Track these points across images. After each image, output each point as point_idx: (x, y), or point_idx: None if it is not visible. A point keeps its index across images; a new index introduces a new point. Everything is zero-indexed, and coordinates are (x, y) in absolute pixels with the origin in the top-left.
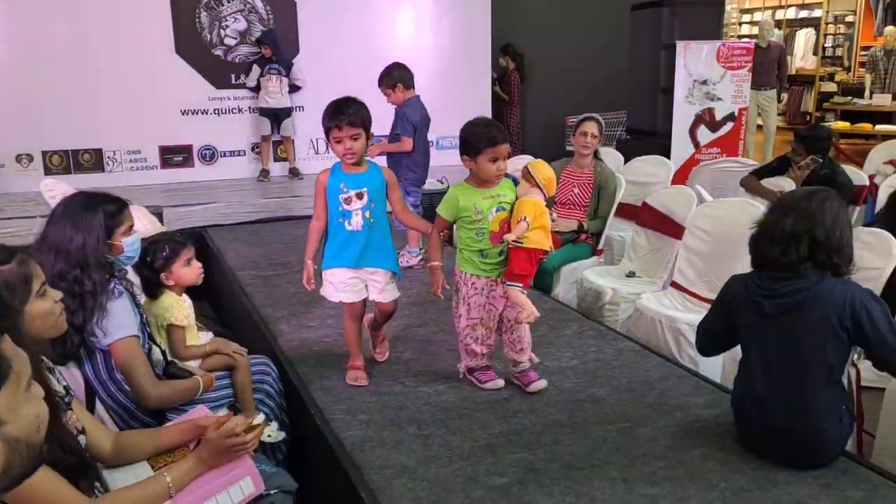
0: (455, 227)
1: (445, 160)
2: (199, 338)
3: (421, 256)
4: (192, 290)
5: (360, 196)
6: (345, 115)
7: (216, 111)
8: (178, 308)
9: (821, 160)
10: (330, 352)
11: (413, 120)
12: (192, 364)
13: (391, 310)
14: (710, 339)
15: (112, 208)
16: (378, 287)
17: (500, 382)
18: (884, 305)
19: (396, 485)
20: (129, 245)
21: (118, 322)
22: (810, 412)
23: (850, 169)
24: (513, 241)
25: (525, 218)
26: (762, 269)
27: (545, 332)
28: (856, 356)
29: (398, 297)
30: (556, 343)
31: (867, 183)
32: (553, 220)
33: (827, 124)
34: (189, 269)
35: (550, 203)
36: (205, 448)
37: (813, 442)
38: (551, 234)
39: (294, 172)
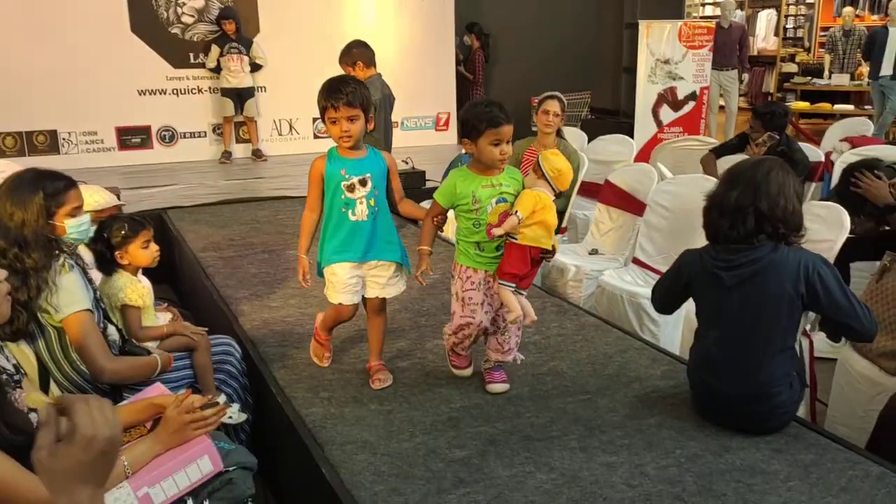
0: (454, 215)
1: (411, 141)
2: (157, 319)
3: None
4: (152, 273)
5: (363, 183)
6: (342, 93)
7: (175, 91)
8: (133, 288)
9: (777, 137)
10: (292, 331)
11: (372, 98)
12: (150, 345)
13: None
14: (665, 301)
15: (56, 186)
16: (381, 282)
17: (469, 371)
18: (835, 270)
19: (358, 460)
20: (73, 227)
21: (69, 297)
22: (762, 378)
23: (806, 146)
24: (499, 235)
25: (517, 212)
26: (716, 241)
27: None
28: (808, 326)
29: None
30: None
31: (823, 159)
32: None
33: (787, 104)
34: (145, 252)
35: (559, 197)
36: (162, 427)
37: (765, 407)
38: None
39: (257, 154)
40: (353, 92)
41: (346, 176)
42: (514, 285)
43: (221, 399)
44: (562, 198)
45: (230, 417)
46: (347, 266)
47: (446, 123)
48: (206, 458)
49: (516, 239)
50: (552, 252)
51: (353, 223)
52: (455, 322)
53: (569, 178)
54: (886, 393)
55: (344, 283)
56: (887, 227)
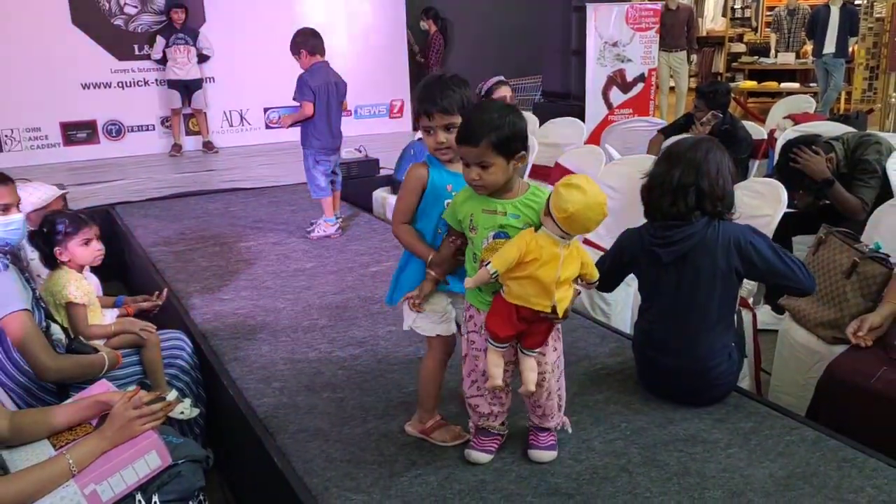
0: None
1: (365, 129)
2: (104, 316)
3: (338, 225)
4: (102, 270)
5: None
6: (436, 99)
7: (120, 84)
8: (77, 286)
9: (721, 115)
10: (244, 323)
11: (312, 85)
12: (98, 343)
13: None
14: (607, 280)
15: None
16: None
17: (479, 456)
18: (765, 237)
19: (310, 447)
20: (1, 226)
21: (4, 298)
22: (701, 351)
23: (749, 124)
24: (468, 288)
25: (488, 263)
26: (654, 219)
27: None
28: (752, 300)
29: None
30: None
31: (766, 137)
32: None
33: (735, 84)
34: (85, 250)
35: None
36: (108, 424)
37: (705, 379)
38: None
39: (208, 146)
40: (451, 96)
41: (452, 192)
42: (500, 345)
43: (172, 395)
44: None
45: (182, 413)
46: (443, 294)
47: (400, 111)
48: (154, 452)
49: (503, 292)
50: (553, 315)
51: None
52: (465, 367)
53: (587, 221)
54: (824, 361)
55: (443, 310)
56: (827, 202)
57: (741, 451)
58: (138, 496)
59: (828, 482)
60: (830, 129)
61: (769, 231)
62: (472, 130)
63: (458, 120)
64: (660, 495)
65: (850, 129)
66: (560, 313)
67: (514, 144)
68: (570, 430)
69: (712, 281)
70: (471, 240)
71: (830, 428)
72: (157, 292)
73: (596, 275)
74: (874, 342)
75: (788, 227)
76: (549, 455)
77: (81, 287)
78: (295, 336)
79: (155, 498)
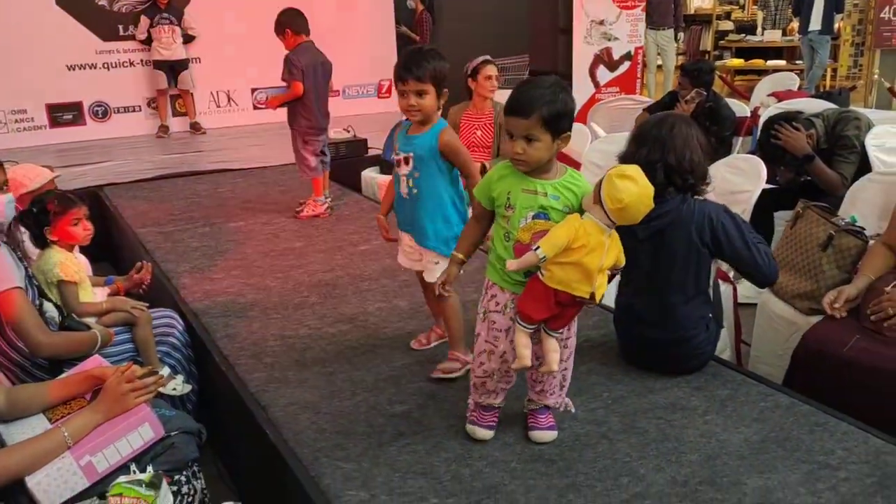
0: None
1: (353, 109)
2: (96, 294)
3: (327, 204)
4: (91, 251)
5: (406, 161)
6: (411, 67)
7: (105, 65)
8: (69, 263)
9: (705, 93)
10: (234, 302)
11: (299, 64)
12: (90, 321)
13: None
14: None
15: None
16: (423, 261)
17: (484, 433)
18: (737, 219)
19: (301, 420)
20: None
21: None
22: (679, 323)
23: (733, 101)
24: (513, 269)
25: (538, 248)
26: None
27: None
28: (732, 274)
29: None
30: (461, 278)
31: (749, 114)
32: None
33: (722, 62)
34: (76, 229)
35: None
36: (102, 397)
37: (683, 349)
38: None
39: (195, 127)
40: (425, 66)
41: (398, 151)
42: (531, 327)
43: (165, 371)
44: (500, 158)
45: (174, 389)
46: (405, 234)
47: (388, 91)
48: (147, 425)
49: (543, 275)
50: (591, 301)
51: (400, 195)
52: (477, 346)
53: (637, 212)
54: (801, 332)
55: (406, 246)
56: (808, 178)
57: (718, 417)
58: (133, 467)
59: (800, 445)
60: (813, 105)
61: (749, 206)
62: (523, 102)
63: (429, 88)
64: (639, 459)
65: (831, 105)
66: (598, 299)
67: (562, 122)
68: (573, 411)
69: (687, 256)
70: (506, 218)
71: (806, 394)
72: (139, 263)
73: (623, 262)
74: (848, 312)
75: (770, 202)
76: (550, 435)
77: (72, 265)
78: (285, 313)
79: (149, 468)
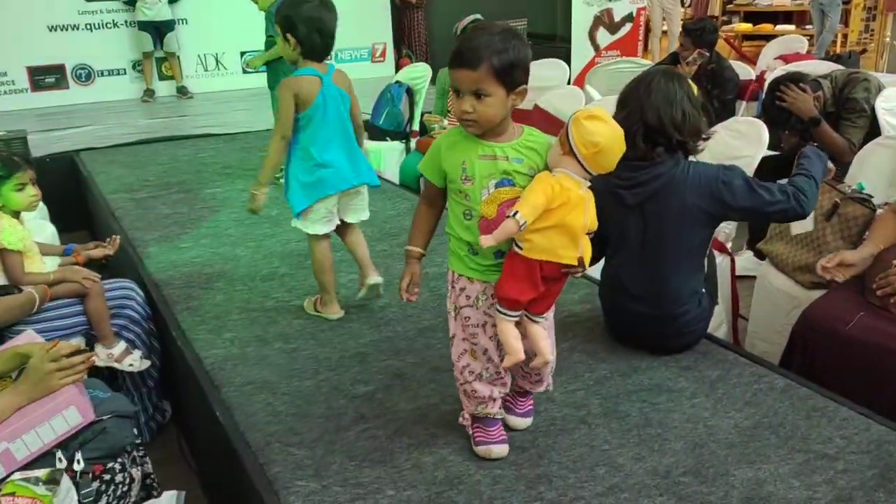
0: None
1: (346, 73)
2: (45, 264)
3: None
4: (69, 219)
5: None
6: (462, 52)
7: (88, 26)
8: (12, 231)
9: (707, 54)
10: (200, 272)
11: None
12: (28, 288)
13: None
14: None
15: None
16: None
17: (500, 450)
18: (736, 169)
19: (255, 401)
20: None
21: None
22: (669, 297)
23: (737, 64)
24: (487, 247)
25: (515, 213)
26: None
27: None
28: (730, 245)
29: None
30: (439, 249)
31: (753, 77)
32: (444, 128)
33: (730, 26)
34: (20, 195)
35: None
36: (24, 378)
37: (673, 326)
38: None
39: (182, 91)
40: (483, 52)
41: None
42: (515, 314)
43: (121, 346)
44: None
45: (131, 365)
46: (335, 196)
47: (382, 54)
48: (74, 408)
49: (521, 248)
50: (579, 267)
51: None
52: (455, 350)
53: (613, 155)
54: (801, 307)
55: (329, 211)
56: (814, 143)
57: (706, 401)
58: (58, 454)
59: (795, 432)
60: (817, 67)
61: (749, 172)
62: (469, 51)
63: (491, 86)
64: (618, 447)
65: (840, 67)
66: (586, 265)
67: (516, 73)
68: (551, 389)
69: (680, 223)
70: (463, 193)
71: (804, 376)
72: (108, 238)
73: (597, 224)
74: (853, 286)
75: (773, 170)
76: (527, 422)
77: (16, 233)
78: (252, 285)
79: (77, 455)
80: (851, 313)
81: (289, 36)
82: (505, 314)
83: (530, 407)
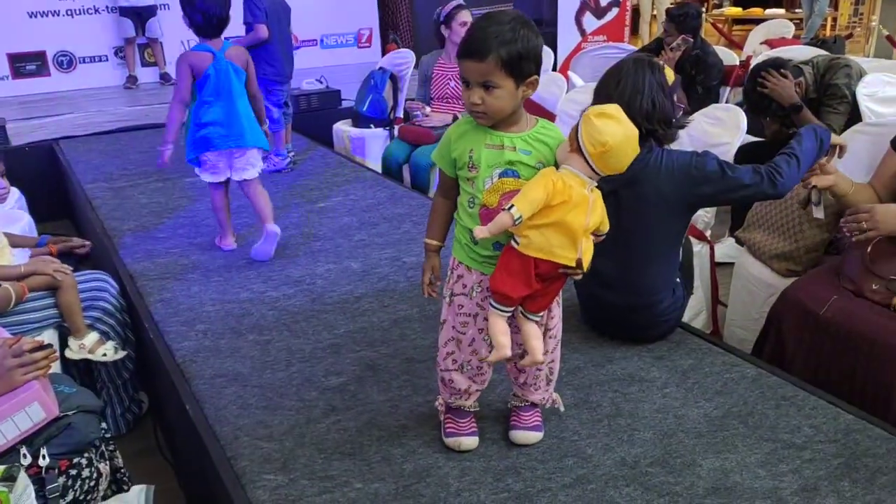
0: None
1: (332, 59)
2: (13, 256)
3: (289, 159)
4: (50, 208)
5: None
6: (471, 43)
7: (69, 12)
8: None
9: (692, 40)
10: (176, 263)
11: (262, 5)
12: (6, 285)
13: None
14: None
15: None
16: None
17: (470, 442)
18: (708, 154)
19: (226, 393)
20: None
21: None
22: (643, 286)
23: (721, 49)
24: (481, 238)
25: (511, 206)
26: None
27: (409, 228)
28: (708, 233)
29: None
30: (419, 239)
31: (737, 63)
32: (426, 115)
33: (720, 10)
34: None
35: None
36: None
37: (647, 315)
38: (426, 131)
39: (165, 78)
40: (492, 42)
41: None
42: (508, 309)
43: (93, 337)
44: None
45: (104, 355)
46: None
47: (369, 40)
48: (37, 404)
49: (518, 243)
50: (578, 269)
51: None
52: (443, 335)
53: (624, 156)
54: (777, 295)
55: (225, 165)
56: (796, 129)
57: (678, 390)
58: (23, 450)
59: (764, 422)
60: (802, 53)
61: (728, 159)
62: (477, 42)
63: (500, 78)
64: (587, 438)
65: (824, 53)
66: (585, 267)
67: (525, 64)
68: (562, 409)
69: (654, 211)
70: (469, 181)
71: (775, 359)
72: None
73: (608, 225)
74: (832, 271)
75: (755, 157)
76: (535, 436)
77: None
78: (228, 276)
79: (43, 451)
80: (828, 295)
81: (183, 16)
82: (497, 308)
83: (538, 421)
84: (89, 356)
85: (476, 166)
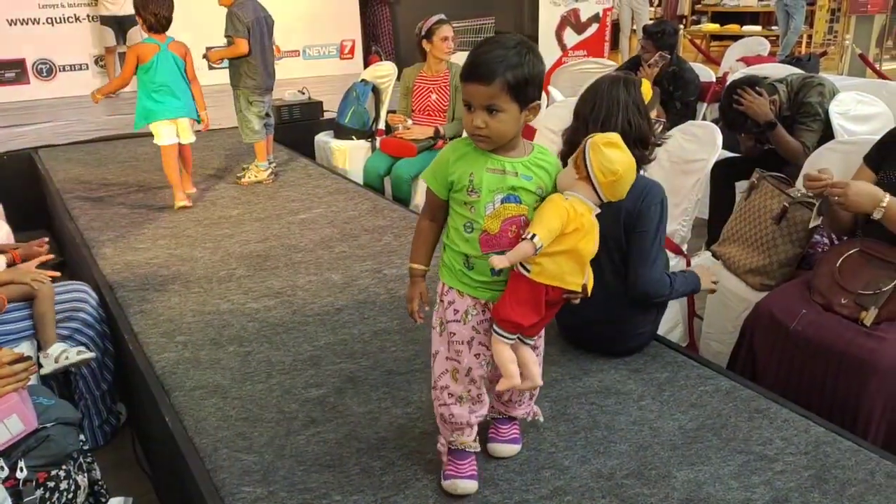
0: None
1: (314, 70)
2: None
3: (270, 170)
4: (28, 218)
5: None
6: (477, 66)
7: (49, 20)
8: None
9: (669, 56)
10: (156, 274)
11: (245, 20)
12: None
13: None
14: None
15: None
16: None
17: (467, 486)
18: (664, 215)
19: (206, 405)
20: None
21: None
22: (616, 301)
23: (698, 66)
24: (500, 268)
25: (534, 235)
26: None
27: (389, 240)
28: (684, 247)
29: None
30: (400, 251)
31: (714, 80)
32: (407, 128)
33: (698, 26)
34: None
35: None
36: None
37: (620, 329)
38: (407, 144)
39: None
40: (498, 66)
41: None
42: (513, 337)
43: (57, 348)
44: (455, 122)
45: (67, 358)
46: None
47: (351, 51)
48: (15, 416)
49: (529, 271)
50: (581, 293)
51: None
52: (436, 368)
53: (628, 183)
54: (752, 308)
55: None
56: (770, 146)
57: (653, 403)
58: (0, 462)
59: (737, 434)
60: (777, 70)
61: (703, 175)
62: (484, 65)
63: (504, 101)
64: (564, 450)
65: (798, 71)
66: (589, 292)
67: (531, 89)
68: (541, 420)
69: (619, 227)
70: (468, 205)
71: (748, 370)
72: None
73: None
74: (804, 285)
75: (732, 172)
76: (512, 449)
77: None
78: (208, 287)
79: (21, 463)
80: (798, 309)
81: (136, 16)
82: (503, 336)
83: (516, 434)
84: (56, 365)
85: (476, 190)
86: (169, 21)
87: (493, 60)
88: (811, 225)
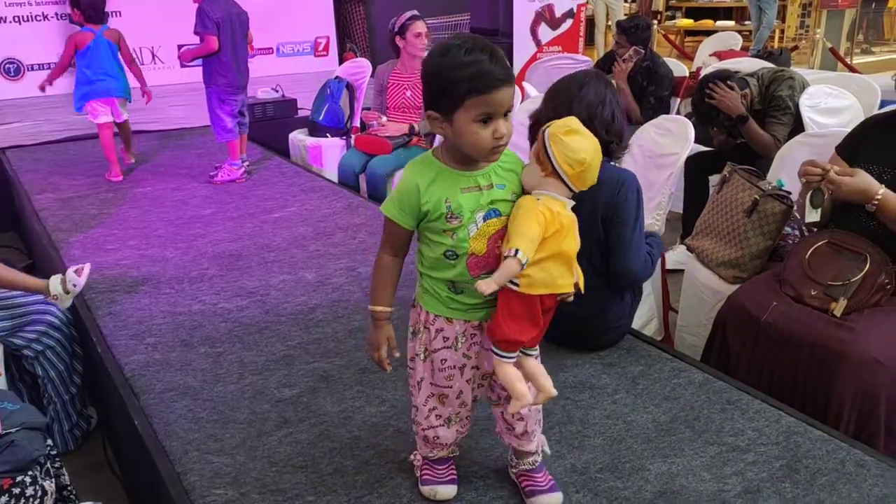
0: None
1: (288, 68)
2: None
3: (243, 168)
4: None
5: None
6: (499, 69)
7: (16, 19)
8: None
9: (643, 51)
10: (125, 275)
11: (214, 16)
12: None
13: None
14: None
15: None
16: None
17: (446, 491)
18: (641, 204)
19: (176, 408)
20: None
21: None
22: (589, 295)
23: (671, 61)
24: (489, 293)
25: (516, 251)
26: None
27: (364, 238)
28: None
29: None
30: (375, 249)
31: (686, 75)
32: (382, 125)
33: (672, 22)
34: None
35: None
36: None
37: (595, 324)
38: (382, 141)
39: None
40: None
41: None
42: (514, 355)
43: (52, 284)
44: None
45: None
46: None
47: (325, 48)
48: None
49: (518, 285)
50: (574, 292)
51: None
52: (419, 397)
53: (596, 168)
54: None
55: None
56: (742, 140)
57: (627, 397)
58: None
59: (710, 426)
60: (749, 65)
61: (676, 169)
62: (505, 67)
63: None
64: None
65: (769, 65)
66: (581, 288)
67: None
68: (548, 452)
69: (596, 221)
70: (449, 232)
71: (721, 363)
72: None
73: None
74: (771, 277)
75: (704, 165)
76: (557, 497)
77: None
78: (179, 287)
79: None
80: (769, 301)
81: (71, 7)
82: (503, 357)
83: (552, 480)
84: (74, 290)
85: (457, 215)
86: (102, 12)
87: (504, 58)
88: (807, 220)
